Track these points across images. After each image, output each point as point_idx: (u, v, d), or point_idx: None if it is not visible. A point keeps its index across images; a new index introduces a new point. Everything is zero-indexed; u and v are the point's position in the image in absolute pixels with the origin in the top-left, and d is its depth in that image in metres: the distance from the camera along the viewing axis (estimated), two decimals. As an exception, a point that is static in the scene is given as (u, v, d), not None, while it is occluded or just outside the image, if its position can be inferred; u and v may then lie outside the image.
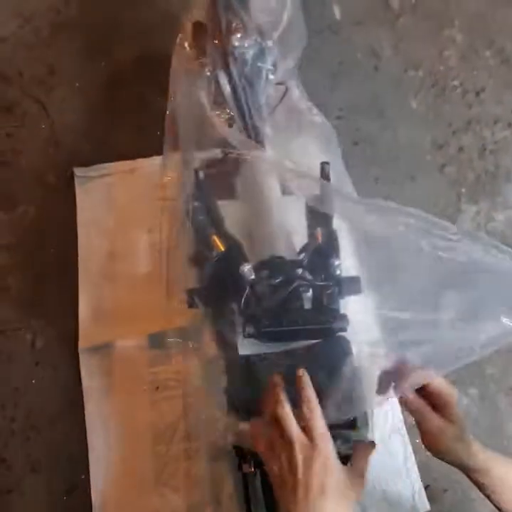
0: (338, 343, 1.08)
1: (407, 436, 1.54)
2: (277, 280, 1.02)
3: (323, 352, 1.07)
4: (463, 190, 1.95)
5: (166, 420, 1.53)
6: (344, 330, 1.05)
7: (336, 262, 1.04)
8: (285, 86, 1.54)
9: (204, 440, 1.50)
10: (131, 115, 2.00)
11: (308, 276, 1.03)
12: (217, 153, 1.83)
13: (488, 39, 2.19)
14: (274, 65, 1.50)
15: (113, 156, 1.90)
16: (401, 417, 1.56)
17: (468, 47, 2.17)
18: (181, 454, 1.49)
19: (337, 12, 2.29)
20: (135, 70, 2.09)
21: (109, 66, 2.09)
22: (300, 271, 1.04)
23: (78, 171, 1.85)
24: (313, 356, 1.07)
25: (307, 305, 1.06)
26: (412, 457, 1.52)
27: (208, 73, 1.50)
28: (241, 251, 1.07)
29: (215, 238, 1.07)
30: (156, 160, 1.90)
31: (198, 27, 1.61)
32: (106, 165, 1.88)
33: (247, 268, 1.01)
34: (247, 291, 1.02)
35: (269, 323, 1.01)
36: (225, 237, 1.09)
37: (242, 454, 1.28)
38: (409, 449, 1.53)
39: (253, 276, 1.01)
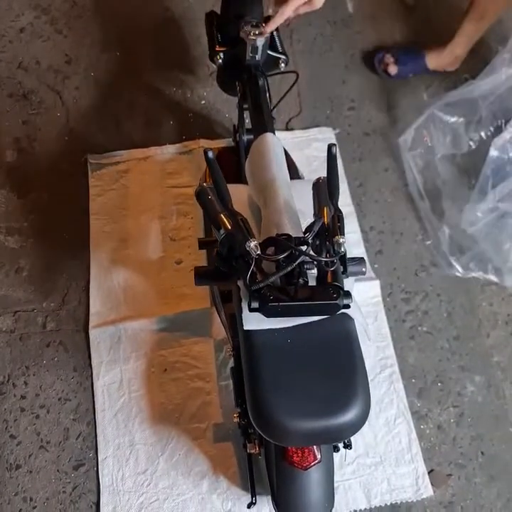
0: (342, 320, 1.10)
1: (411, 422, 1.55)
2: (282, 256, 1.03)
3: (327, 328, 1.08)
4: (473, 181, 1.95)
5: (174, 401, 1.56)
6: (348, 307, 1.06)
7: (341, 240, 1.05)
8: (296, 73, 1.56)
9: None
10: (144, 105, 2.04)
11: (313, 253, 1.04)
12: (230, 141, 1.88)
13: (501, 35, 2.19)
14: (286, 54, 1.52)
15: (126, 144, 1.94)
16: (406, 403, 1.58)
17: (481, 42, 2.16)
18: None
19: (350, 6, 2.30)
20: (149, 61, 2.12)
21: (123, 57, 2.12)
22: (304, 247, 1.05)
23: (92, 158, 1.89)
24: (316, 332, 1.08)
25: (312, 282, 1.07)
26: (417, 442, 1.53)
27: (220, 60, 1.54)
28: (247, 227, 1.08)
29: (223, 216, 1.08)
30: (169, 148, 1.94)
31: (211, 17, 1.64)
32: (119, 152, 1.91)
33: (253, 244, 1.01)
34: (252, 266, 1.03)
35: (273, 298, 1.02)
36: (232, 215, 1.10)
37: (248, 434, 1.29)
38: (414, 434, 1.54)
39: (259, 252, 1.02)
